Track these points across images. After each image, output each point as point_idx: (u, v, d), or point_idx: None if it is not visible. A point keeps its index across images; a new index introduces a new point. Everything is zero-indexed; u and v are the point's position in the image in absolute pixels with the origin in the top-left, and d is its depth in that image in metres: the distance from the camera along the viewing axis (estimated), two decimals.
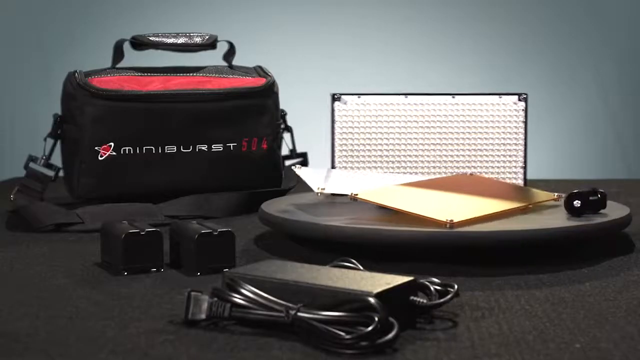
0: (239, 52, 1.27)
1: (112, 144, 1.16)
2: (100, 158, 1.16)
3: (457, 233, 0.83)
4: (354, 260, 0.73)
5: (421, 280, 0.69)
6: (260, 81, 1.24)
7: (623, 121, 1.93)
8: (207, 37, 1.25)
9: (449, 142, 1.10)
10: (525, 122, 1.11)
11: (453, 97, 1.10)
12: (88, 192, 1.17)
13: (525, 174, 1.12)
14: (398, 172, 1.10)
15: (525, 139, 1.12)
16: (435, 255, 0.86)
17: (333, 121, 1.12)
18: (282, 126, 1.30)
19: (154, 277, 0.81)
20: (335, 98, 1.11)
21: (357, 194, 0.91)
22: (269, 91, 1.24)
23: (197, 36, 1.24)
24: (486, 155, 1.10)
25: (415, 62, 1.94)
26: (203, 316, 0.65)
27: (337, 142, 1.12)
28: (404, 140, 1.10)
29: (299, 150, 1.36)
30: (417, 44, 1.95)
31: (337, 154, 1.12)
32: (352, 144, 1.12)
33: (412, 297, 0.66)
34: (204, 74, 1.22)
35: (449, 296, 0.67)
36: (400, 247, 0.86)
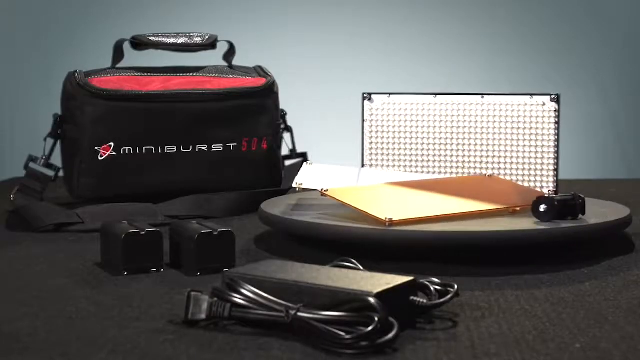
0: (239, 52, 1.27)
1: (112, 144, 1.16)
2: (100, 158, 1.16)
3: (391, 231, 0.85)
4: (354, 260, 0.73)
5: (421, 280, 0.69)
6: (260, 81, 1.24)
7: (623, 121, 1.93)
8: (207, 37, 1.25)
9: (477, 143, 1.07)
10: (557, 124, 1.07)
11: (482, 97, 1.07)
12: (88, 192, 1.17)
13: (557, 176, 1.07)
14: (423, 172, 1.09)
15: (557, 141, 1.07)
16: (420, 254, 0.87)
17: (363, 120, 1.12)
18: (282, 126, 1.30)
19: (154, 277, 0.81)
20: (365, 97, 1.11)
21: (326, 190, 0.93)
22: (269, 91, 1.24)
23: (197, 36, 1.24)
24: (515, 157, 1.07)
25: (416, 62, 1.94)
26: (203, 316, 0.65)
27: (366, 140, 1.12)
28: (431, 140, 1.08)
29: (299, 150, 1.37)
30: (418, 44, 1.95)
31: (366, 152, 1.12)
32: (381, 143, 1.11)
33: (412, 297, 0.66)
34: (204, 74, 1.22)
35: (449, 296, 0.67)
36: (339, 243, 0.88)
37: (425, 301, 0.67)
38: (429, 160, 1.09)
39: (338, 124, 1.89)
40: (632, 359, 0.59)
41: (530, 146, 1.07)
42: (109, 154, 1.16)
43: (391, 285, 0.64)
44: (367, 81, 1.92)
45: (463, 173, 1.08)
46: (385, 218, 0.86)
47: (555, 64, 1.94)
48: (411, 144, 1.10)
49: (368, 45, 1.95)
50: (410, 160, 1.10)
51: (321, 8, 1.93)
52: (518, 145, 1.07)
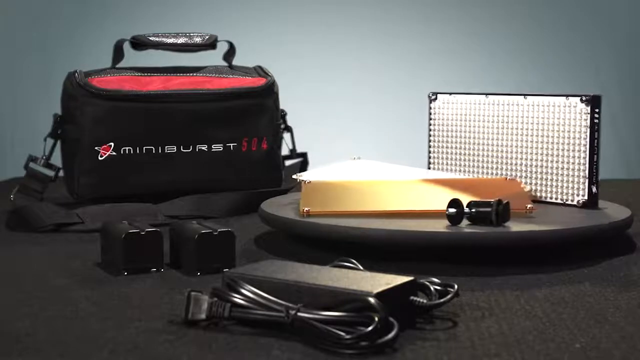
0: (239, 52, 1.28)
1: (112, 144, 1.16)
2: (100, 158, 1.16)
3: (302, 222, 0.90)
4: (354, 260, 0.73)
5: (421, 280, 0.69)
6: (260, 81, 1.24)
7: (623, 121, 1.93)
8: (207, 37, 1.25)
9: (517, 144, 1.04)
10: (590, 127, 0.98)
11: (525, 97, 1.03)
12: (88, 192, 1.17)
13: (591, 184, 0.98)
14: (463, 171, 1.09)
15: (591, 145, 0.98)
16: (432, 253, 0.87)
17: (430, 119, 1.12)
18: (282, 126, 1.30)
19: (154, 277, 0.81)
20: (431, 98, 1.11)
21: (309, 183, 0.97)
22: (269, 91, 1.24)
23: (197, 36, 1.24)
24: (550, 162, 1.01)
25: (414, 62, 1.94)
26: (203, 316, 0.65)
27: (431, 140, 1.13)
28: (480, 139, 1.07)
29: (299, 150, 1.37)
30: (416, 44, 1.95)
31: (431, 151, 1.13)
32: (442, 142, 1.11)
33: (412, 297, 0.66)
34: (204, 74, 1.22)
35: (449, 296, 0.68)
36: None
37: (425, 301, 0.67)
38: (471, 160, 1.08)
39: (338, 124, 1.89)
40: (632, 359, 0.59)
41: (563, 150, 1.01)
42: (109, 154, 1.16)
43: (391, 285, 0.64)
44: (369, 81, 1.93)
45: (500, 174, 1.05)
46: (303, 210, 0.92)
47: (555, 64, 1.94)
48: (464, 143, 1.09)
49: (368, 45, 1.95)
50: (459, 159, 1.10)
51: (321, 8, 1.93)
52: (552, 149, 1.01)
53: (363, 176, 1.04)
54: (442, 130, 1.12)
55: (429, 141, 1.14)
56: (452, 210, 0.86)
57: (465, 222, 0.87)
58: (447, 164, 1.12)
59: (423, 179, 1.01)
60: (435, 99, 1.11)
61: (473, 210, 0.86)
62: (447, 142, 1.12)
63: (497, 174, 1.06)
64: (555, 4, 1.96)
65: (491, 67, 1.93)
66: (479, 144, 1.08)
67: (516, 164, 1.05)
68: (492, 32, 1.95)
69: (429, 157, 1.14)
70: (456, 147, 1.11)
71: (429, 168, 1.13)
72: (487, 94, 1.07)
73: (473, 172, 1.09)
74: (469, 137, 1.09)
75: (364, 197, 0.96)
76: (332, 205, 0.94)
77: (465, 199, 0.88)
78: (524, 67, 1.94)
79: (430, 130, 1.13)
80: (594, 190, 0.99)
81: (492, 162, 1.07)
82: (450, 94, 1.11)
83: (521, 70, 1.93)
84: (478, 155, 1.09)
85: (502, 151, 1.06)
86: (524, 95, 1.04)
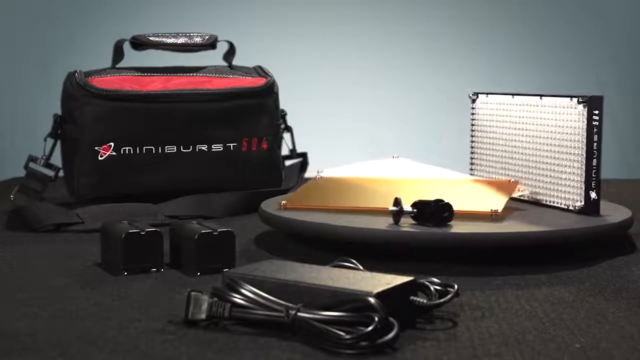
0: (239, 52, 1.27)
1: (112, 144, 1.16)
2: (100, 158, 1.16)
3: (275, 216, 0.94)
4: (354, 260, 0.73)
5: (421, 280, 0.69)
6: (260, 81, 1.24)
7: (623, 121, 1.93)
8: (207, 37, 1.25)
9: (530, 146, 1.02)
10: (588, 130, 0.93)
11: (540, 98, 1.00)
12: (88, 192, 1.17)
13: (587, 190, 0.93)
14: (493, 172, 1.08)
15: (589, 150, 0.93)
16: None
17: (472, 120, 1.11)
18: (282, 126, 1.30)
19: (154, 277, 0.81)
20: (472, 98, 1.09)
21: (320, 178, 1.02)
22: (269, 91, 1.24)
23: (197, 36, 1.24)
24: (553, 165, 0.98)
25: (415, 62, 1.94)
26: (203, 316, 0.65)
27: (472, 140, 1.11)
28: (505, 140, 1.06)
29: (299, 150, 1.37)
30: (416, 44, 1.95)
31: (473, 151, 1.11)
32: (481, 142, 1.10)
33: (412, 297, 0.66)
34: (204, 74, 1.22)
35: (449, 296, 0.68)
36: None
37: (425, 301, 0.67)
38: (493, 161, 1.07)
39: (338, 124, 1.89)
40: (632, 359, 0.59)
41: (563, 153, 0.97)
42: (109, 154, 1.16)
43: (391, 285, 0.64)
44: (369, 81, 1.92)
45: (509, 175, 1.04)
46: (281, 203, 0.97)
47: (555, 65, 1.94)
48: (490, 143, 1.08)
49: (368, 45, 1.95)
50: (491, 160, 1.09)
51: (321, 8, 1.93)
52: (556, 152, 0.98)
53: (386, 175, 1.04)
54: (479, 131, 1.10)
55: (471, 141, 1.12)
56: (393, 208, 0.87)
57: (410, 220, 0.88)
58: (486, 165, 1.10)
59: (412, 178, 1.01)
60: (477, 98, 1.09)
61: (415, 209, 0.87)
62: (484, 142, 1.10)
63: (514, 175, 1.05)
64: (555, 4, 1.96)
65: (491, 67, 1.93)
66: (502, 145, 1.07)
67: (527, 166, 1.03)
68: (492, 32, 1.95)
69: (471, 158, 1.12)
70: (490, 148, 1.09)
71: (471, 169, 1.12)
72: (513, 94, 1.05)
73: (499, 173, 1.07)
74: (496, 138, 1.08)
75: (347, 194, 0.97)
76: (311, 201, 0.96)
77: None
78: (524, 67, 1.93)
79: (472, 130, 1.11)
80: (593, 196, 0.93)
81: (512, 163, 1.06)
82: (487, 94, 1.09)
83: (521, 70, 1.93)
84: (499, 156, 1.07)
85: (517, 152, 1.05)
86: (540, 95, 1.00)
